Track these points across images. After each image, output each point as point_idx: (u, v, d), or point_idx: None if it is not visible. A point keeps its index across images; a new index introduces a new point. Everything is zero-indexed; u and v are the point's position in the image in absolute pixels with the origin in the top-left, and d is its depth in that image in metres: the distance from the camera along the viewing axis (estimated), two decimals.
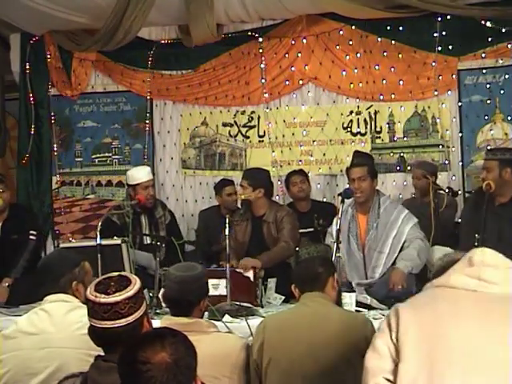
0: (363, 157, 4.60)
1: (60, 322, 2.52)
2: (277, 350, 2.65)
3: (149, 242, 4.73)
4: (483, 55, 5.43)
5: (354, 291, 3.93)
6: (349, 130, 5.85)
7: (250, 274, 4.08)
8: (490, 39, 5.35)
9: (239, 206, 5.11)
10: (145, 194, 4.75)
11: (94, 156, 6.30)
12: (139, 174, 4.85)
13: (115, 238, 4.08)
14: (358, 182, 4.32)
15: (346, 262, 4.30)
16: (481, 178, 4.27)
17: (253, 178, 4.59)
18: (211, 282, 3.12)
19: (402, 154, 5.74)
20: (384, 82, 5.68)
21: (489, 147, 5.17)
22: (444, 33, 5.44)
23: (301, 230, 4.76)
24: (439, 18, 5.37)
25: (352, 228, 4.38)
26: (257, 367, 2.69)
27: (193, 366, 1.62)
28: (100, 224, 4.02)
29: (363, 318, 2.84)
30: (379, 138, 5.80)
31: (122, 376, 1.60)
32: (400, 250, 4.23)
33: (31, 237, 4.60)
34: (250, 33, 5.87)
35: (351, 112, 5.84)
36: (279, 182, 5.85)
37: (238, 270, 4.10)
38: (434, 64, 5.51)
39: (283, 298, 4.11)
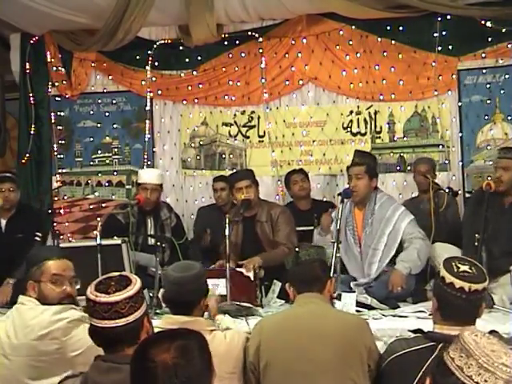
0: (363, 156, 4.56)
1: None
2: (274, 351, 2.61)
3: (153, 243, 4.68)
4: (483, 55, 5.44)
5: (354, 291, 3.93)
6: (349, 130, 5.85)
7: (251, 274, 4.06)
8: (490, 39, 5.35)
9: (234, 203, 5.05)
10: (144, 195, 4.75)
11: (93, 156, 6.29)
12: (145, 175, 4.88)
13: (115, 238, 4.07)
14: (355, 180, 4.30)
15: (344, 256, 4.27)
16: (495, 178, 4.14)
17: (251, 176, 4.60)
18: (211, 281, 3.09)
19: (401, 154, 5.74)
20: (384, 82, 5.68)
21: (501, 146, 5.06)
22: (444, 33, 5.44)
23: (300, 229, 4.74)
24: (439, 18, 5.38)
25: (349, 222, 4.39)
26: (254, 369, 2.66)
27: (196, 372, 1.57)
28: (103, 222, 4.02)
29: (360, 319, 2.83)
30: (379, 137, 5.80)
31: (131, 369, 1.60)
32: (398, 249, 4.21)
33: (36, 238, 4.57)
34: (250, 33, 5.87)
35: (351, 112, 5.83)
36: (279, 182, 5.86)
37: (238, 269, 4.08)
38: (433, 64, 5.51)
39: (282, 302, 4.08)
